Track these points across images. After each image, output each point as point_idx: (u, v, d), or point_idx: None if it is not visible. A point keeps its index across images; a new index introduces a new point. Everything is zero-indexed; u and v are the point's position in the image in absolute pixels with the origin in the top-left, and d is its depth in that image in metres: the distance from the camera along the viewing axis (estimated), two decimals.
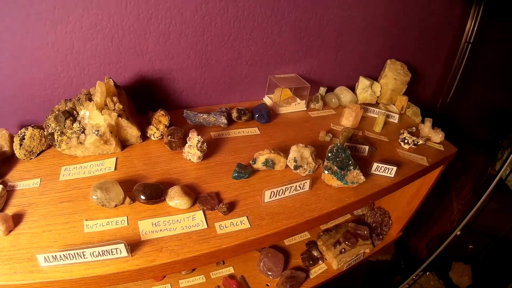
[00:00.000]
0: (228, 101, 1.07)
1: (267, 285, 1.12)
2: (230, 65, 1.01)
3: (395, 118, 1.18)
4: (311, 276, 1.17)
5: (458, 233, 1.32)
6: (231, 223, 0.67)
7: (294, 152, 0.83)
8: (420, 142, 1.06)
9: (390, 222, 1.34)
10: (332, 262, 1.19)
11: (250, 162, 0.83)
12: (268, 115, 0.99)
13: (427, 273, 1.57)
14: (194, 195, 0.73)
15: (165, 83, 0.96)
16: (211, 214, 0.69)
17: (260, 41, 1.01)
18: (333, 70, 1.22)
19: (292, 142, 0.92)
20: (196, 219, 0.66)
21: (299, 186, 0.79)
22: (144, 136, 0.88)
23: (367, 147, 0.95)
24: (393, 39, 1.31)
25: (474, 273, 1.60)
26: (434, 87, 1.61)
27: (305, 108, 1.13)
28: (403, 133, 1.06)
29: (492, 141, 1.41)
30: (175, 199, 0.69)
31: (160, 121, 0.92)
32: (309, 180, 0.79)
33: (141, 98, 0.94)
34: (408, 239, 1.66)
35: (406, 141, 1.05)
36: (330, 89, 1.23)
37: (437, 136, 1.13)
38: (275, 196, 0.76)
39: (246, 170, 0.81)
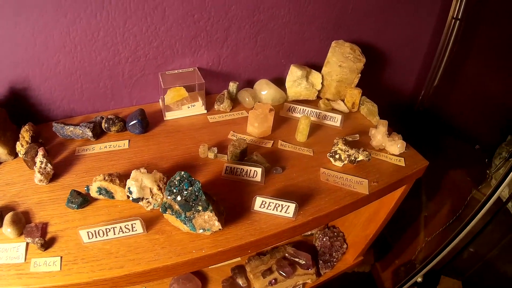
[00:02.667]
0: (116, 106, 0.84)
1: None
2: (106, 65, 0.77)
3: (335, 120, 0.85)
4: None
5: (419, 280, 0.99)
6: (45, 262, 0.54)
7: (131, 180, 0.60)
8: (360, 157, 0.73)
9: (345, 246, 1.06)
10: None
11: (85, 189, 0.63)
12: (143, 123, 0.75)
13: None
14: (25, 224, 0.60)
15: (42, 92, 0.77)
16: (33, 248, 0.56)
17: (138, 32, 0.75)
18: (254, 58, 0.92)
19: (165, 160, 0.71)
20: (19, 251, 0.56)
21: (126, 227, 0.56)
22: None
23: (259, 170, 0.66)
24: (350, 16, 0.95)
25: None
26: (416, 75, 1.22)
27: (205, 111, 0.85)
28: (337, 144, 0.74)
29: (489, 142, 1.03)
30: (7, 226, 0.58)
31: (24, 136, 0.74)
32: (138, 220, 0.56)
33: (19, 111, 0.76)
34: (371, 267, 1.35)
35: (337, 156, 0.73)
36: (252, 84, 0.93)
37: (395, 147, 0.81)
38: (96, 237, 0.55)
39: (77, 199, 0.60)
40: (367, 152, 0.74)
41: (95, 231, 0.55)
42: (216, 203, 0.60)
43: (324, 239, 1.03)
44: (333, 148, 0.75)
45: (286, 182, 0.68)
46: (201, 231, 0.57)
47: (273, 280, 0.97)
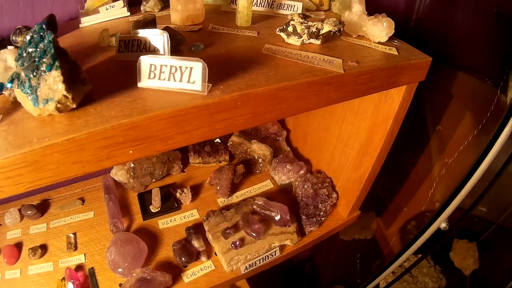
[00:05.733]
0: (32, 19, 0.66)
1: (120, 284, 0.71)
2: None
3: (295, 9, 0.60)
4: (186, 280, 0.72)
5: (443, 226, 0.68)
6: None
7: None
8: (326, 28, 0.47)
9: (334, 195, 0.79)
10: (221, 260, 0.70)
11: None
12: (48, 26, 0.51)
13: (419, 255, 0.97)
14: None
15: None
16: None
17: None
18: None
19: None
20: None
21: None
22: None
23: (161, 38, 0.41)
24: None
25: (481, 253, 0.98)
26: None
27: (128, 13, 0.62)
28: (292, 19, 0.49)
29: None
30: None
31: None
32: None
33: None
34: (374, 232, 1.04)
35: (291, 29, 0.48)
36: None
37: (379, 27, 0.54)
38: None
39: None
40: (335, 20, 0.49)
41: None
42: (74, 66, 0.35)
43: (305, 186, 0.77)
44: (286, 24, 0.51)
45: (208, 59, 0.40)
46: (43, 104, 0.33)
47: (238, 242, 0.71)
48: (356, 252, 1.02)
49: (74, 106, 0.34)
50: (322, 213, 0.75)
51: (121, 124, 0.33)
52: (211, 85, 0.38)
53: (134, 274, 0.66)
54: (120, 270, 0.68)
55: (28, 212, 0.78)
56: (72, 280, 0.67)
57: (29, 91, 0.33)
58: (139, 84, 0.38)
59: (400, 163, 0.88)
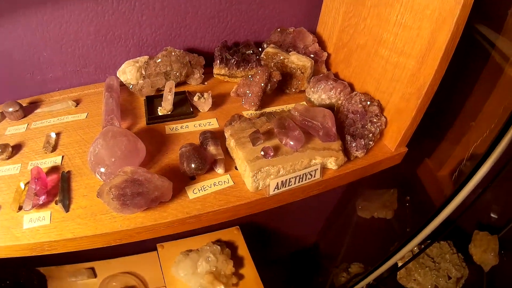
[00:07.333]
0: None
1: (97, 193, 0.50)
2: None
3: None
4: (192, 196, 0.52)
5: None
6: None
7: None
8: None
9: (384, 120, 0.65)
10: (244, 174, 0.53)
11: None
12: None
13: (441, 242, 0.81)
14: None
15: None
16: None
17: None
18: None
19: None
20: None
21: None
22: None
23: None
24: None
25: (502, 248, 0.85)
26: None
27: None
28: None
29: None
30: None
31: None
32: None
33: None
34: (415, 167, 0.84)
35: None
36: None
37: None
38: None
39: None
40: None
41: None
42: None
43: (352, 101, 0.63)
44: None
45: None
46: None
47: (270, 150, 0.55)
48: (374, 232, 0.84)
49: None
50: (371, 135, 0.60)
51: None
52: None
53: (121, 173, 0.48)
54: (102, 169, 0.49)
55: (10, 109, 0.61)
56: (36, 181, 0.48)
57: None
58: None
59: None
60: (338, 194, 1.14)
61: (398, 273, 0.84)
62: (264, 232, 1.17)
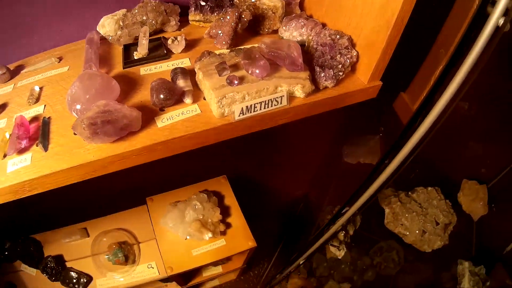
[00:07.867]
0: None
1: (75, 134, 0.54)
2: None
3: None
4: (160, 125, 0.55)
5: None
6: None
7: None
8: None
9: (355, 53, 0.63)
10: (210, 102, 0.55)
11: None
12: None
13: (428, 188, 0.79)
14: None
15: None
16: None
17: None
18: None
19: None
20: None
21: None
22: None
23: None
24: None
25: (491, 198, 0.83)
26: None
27: None
28: None
29: None
30: None
31: None
32: None
33: None
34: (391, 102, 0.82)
35: None
36: None
37: None
38: None
39: None
40: None
41: None
42: None
43: (321, 35, 0.63)
44: None
45: None
46: None
47: (236, 78, 0.56)
48: (360, 177, 0.84)
49: None
50: (340, 65, 0.60)
51: None
52: None
53: (94, 107, 0.51)
54: (78, 106, 0.52)
55: None
56: (18, 127, 0.52)
57: None
58: None
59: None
60: (326, 146, 1.13)
61: (385, 217, 0.83)
62: (253, 185, 1.17)
